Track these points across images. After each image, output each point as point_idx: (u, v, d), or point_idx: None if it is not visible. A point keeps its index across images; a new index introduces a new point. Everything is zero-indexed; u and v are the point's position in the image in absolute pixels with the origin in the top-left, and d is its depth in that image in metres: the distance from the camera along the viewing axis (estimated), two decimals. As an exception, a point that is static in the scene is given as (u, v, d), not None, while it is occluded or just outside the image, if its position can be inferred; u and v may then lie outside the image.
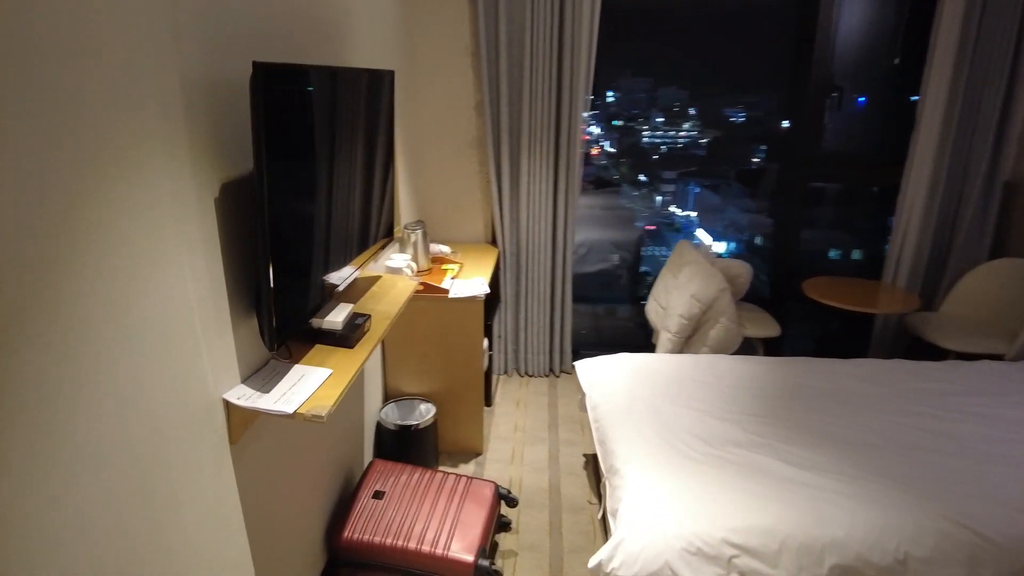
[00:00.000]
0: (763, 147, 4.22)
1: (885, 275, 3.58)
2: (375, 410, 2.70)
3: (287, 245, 1.43)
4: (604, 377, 2.55)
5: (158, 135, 1.14)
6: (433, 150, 3.40)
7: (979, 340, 3.15)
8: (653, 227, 4.64)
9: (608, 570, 1.67)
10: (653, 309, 3.43)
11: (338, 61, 2.16)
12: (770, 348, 3.47)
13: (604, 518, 2.41)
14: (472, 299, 2.70)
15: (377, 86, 1.94)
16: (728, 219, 4.54)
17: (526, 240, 3.48)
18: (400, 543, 2.06)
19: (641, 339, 3.73)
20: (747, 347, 3.42)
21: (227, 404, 1.40)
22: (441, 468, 2.82)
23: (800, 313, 3.80)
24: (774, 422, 2.25)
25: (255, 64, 1.21)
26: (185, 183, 1.23)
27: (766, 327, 3.43)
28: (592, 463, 2.91)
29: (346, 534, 2.09)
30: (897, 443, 2.14)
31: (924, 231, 3.43)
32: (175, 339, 1.20)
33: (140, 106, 1.08)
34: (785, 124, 3.94)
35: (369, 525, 2.11)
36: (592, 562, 1.71)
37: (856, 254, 4.38)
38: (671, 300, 3.22)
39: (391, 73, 2.08)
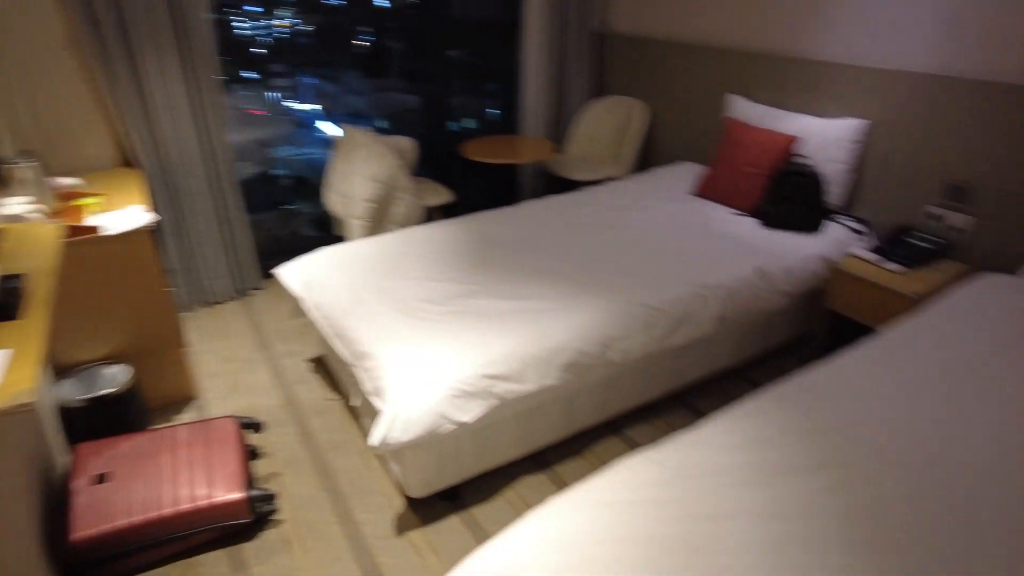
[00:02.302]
0: (369, 28, 4.21)
1: (523, 129, 4.08)
2: (47, 392, 2.18)
3: None
4: (315, 275, 2.48)
5: None
6: (7, 60, 2.59)
7: (599, 168, 3.89)
8: (263, 112, 4.32)
9: (392, 441, 1.75)
10: (335, 200, 3.36)
11: None
12: (447, 213, 3.74)
13: (354, 406, 2.46)
14: (135, 231, 2.29)
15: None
16: (352, 106, 4.51)
17: (169, 152, 2.99)
18: (151, 515, 1.81)
19: (326, 233, 3.64)
20: (427, 218, 3.62)
21: None
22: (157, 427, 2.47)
23: (463, 176, 4.12)
24: (483, 270, 2.49)
25: None
26: None
27: (440, 195, 3.67)
28: (319, 364, 2.88)
29: (73, 536, 1.75)
30: (582, 259, 2.58)
31: (546, 84, 3.96)
32: None
33: None
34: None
35: (101, 515, 1.80)
36: (375, 440, 1.75)
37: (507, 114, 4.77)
38: (352, 187, 3.19)
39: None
